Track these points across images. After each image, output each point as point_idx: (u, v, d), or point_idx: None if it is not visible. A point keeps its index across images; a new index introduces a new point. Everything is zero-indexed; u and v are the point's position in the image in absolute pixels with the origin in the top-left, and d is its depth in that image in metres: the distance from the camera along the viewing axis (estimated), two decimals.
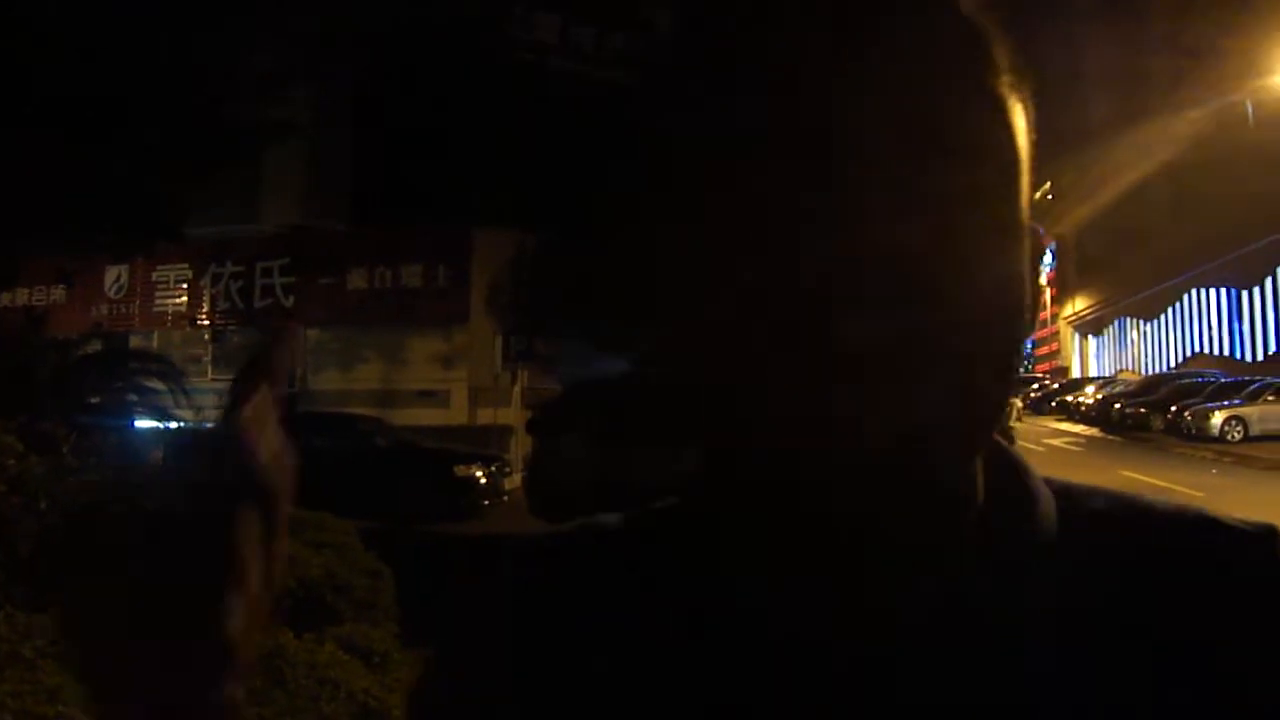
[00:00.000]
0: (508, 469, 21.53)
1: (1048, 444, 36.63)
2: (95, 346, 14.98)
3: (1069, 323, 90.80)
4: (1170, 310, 63.25)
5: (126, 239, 15.80)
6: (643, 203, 0.81)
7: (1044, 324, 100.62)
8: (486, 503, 19.94)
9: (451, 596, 0.94)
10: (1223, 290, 53.95)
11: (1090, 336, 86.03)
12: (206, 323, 34.46)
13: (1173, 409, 37.79)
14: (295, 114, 19.67)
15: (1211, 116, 47.79)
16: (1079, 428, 45.97)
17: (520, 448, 24.35)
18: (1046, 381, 72.82)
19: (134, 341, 30.88)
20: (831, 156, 0.70)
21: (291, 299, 32.98)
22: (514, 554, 0.94)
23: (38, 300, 30.48)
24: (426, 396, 31.04)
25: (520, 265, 29.74)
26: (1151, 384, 46.94)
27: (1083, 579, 0.80)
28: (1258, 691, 0.78)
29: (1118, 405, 44.16)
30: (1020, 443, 30.84)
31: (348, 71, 31.86)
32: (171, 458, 0.74)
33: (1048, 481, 0.87)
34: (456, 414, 30.26)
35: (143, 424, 13.48)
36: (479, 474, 20.22)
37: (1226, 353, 53.43)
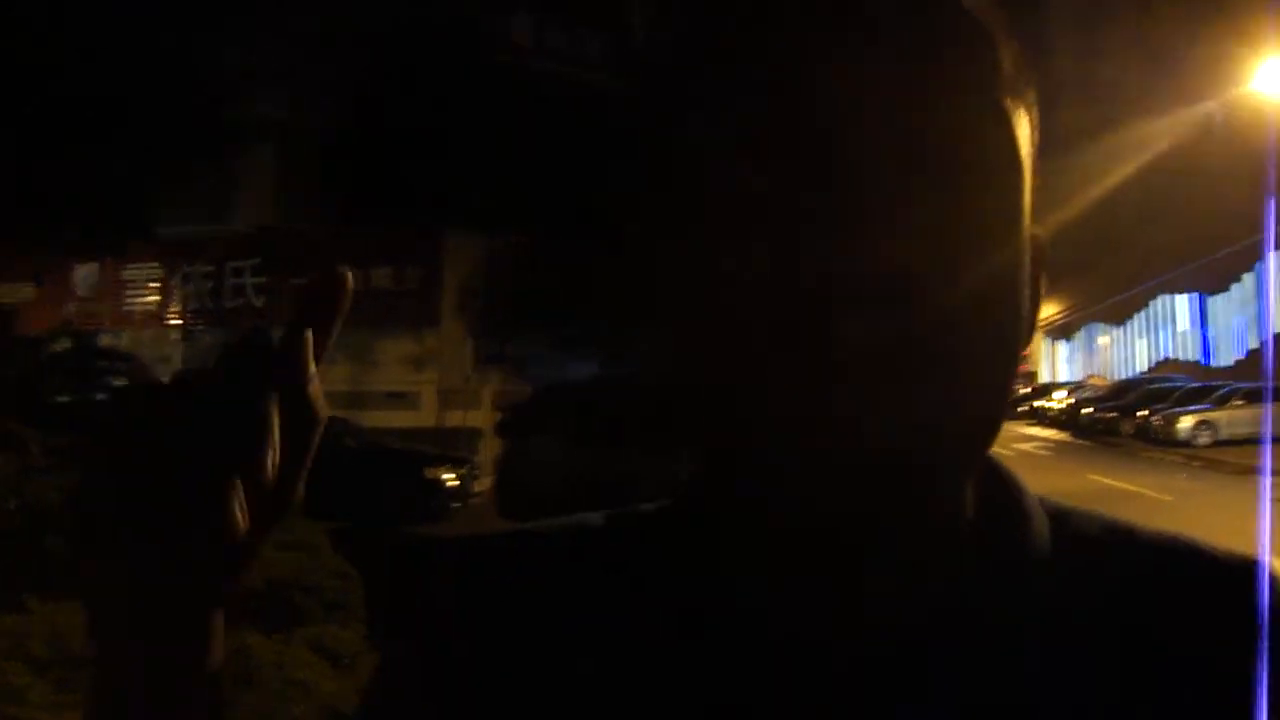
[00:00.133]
0: (477, 471, 21.46)
1: (1017, 448, 36.72)
2: (64, 345, 14.91)
3: (1039, 328, 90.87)
4: (1139, 316, 63.55)
5: (97, 237, 15.76)
6: (640, 203, 0.79)
7: None
8: (456, 505, 19.89)
9: (423, 595, 0.92)
10: (1191, 296, 54.22)
11: (1060, 341, 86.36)
12: (177, 322, 34.30)
13: (1142, 414, 37.98)
14: (268, 114, 19.65)
15: (1181, 124, 47.98)
16: (1049, 432, 46.14)
17: (490, 450, 24.31)
18: (1016, 386, 72.95)
19: (104, 340, 30.73)
20: (831, 158, 0.68)
21: (262, 299, 32.85)
22: (494, 550, 0.92)
23: (5, 298, 30.32)
24: (396, 398, 30.94)
25: (494, 268, 29.71)
26: (1121, 389, 47.17)
27: (1072, 599, 0.79)
28: None
29: (1087, 410, 44.36)
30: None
31: (322, 73, 31.82)
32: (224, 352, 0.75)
33: (1041, 501, 0.86)
34: (426, 416, 30.18)
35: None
36: (448, 476, 20.17)
37: (1195, 358, 53.73)
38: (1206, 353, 52.63)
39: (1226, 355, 49.72)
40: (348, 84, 32.90)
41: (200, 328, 33.91)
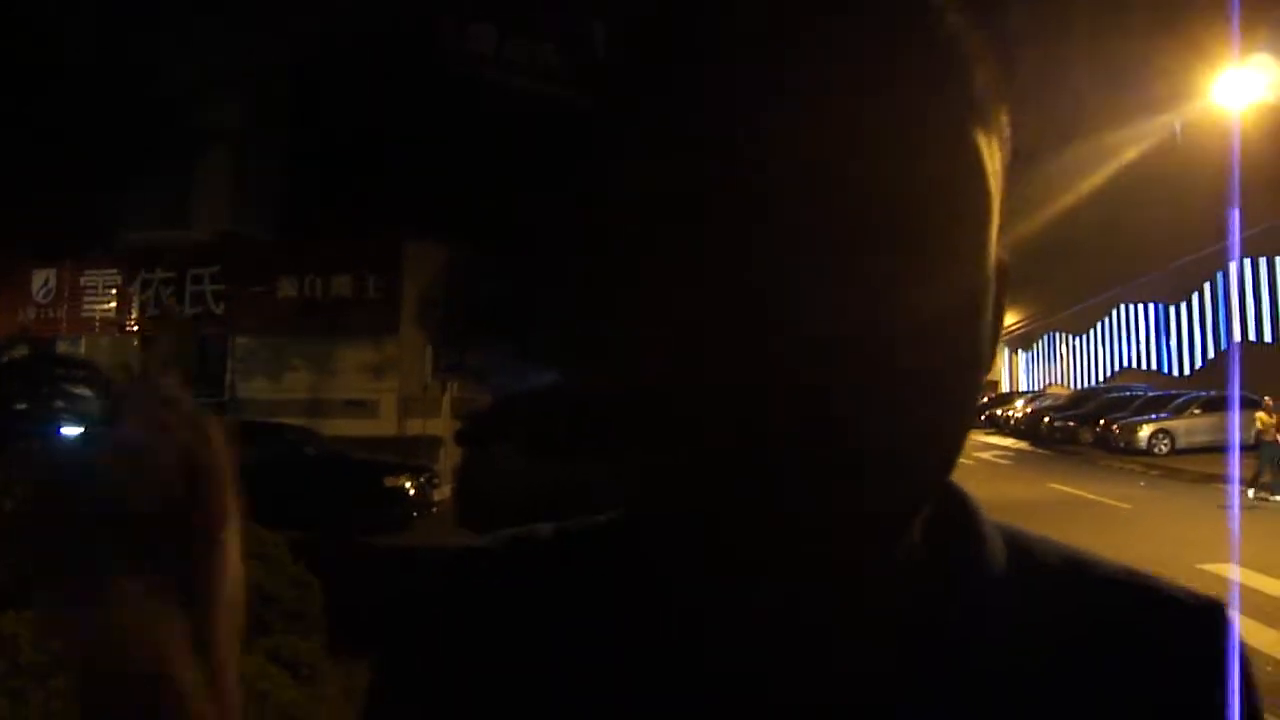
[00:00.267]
0: (437, 480, 21.42)
1: (978, 457, 36.90)
2: (21, 351, 14.81)
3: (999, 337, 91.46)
4: (1099, 325, 64.03)
5: (54, 243, 15.67)
6: (574, 240, 0.78)
7: None
8: (416, 514, 19.85)
9: (380, 610, 0.91)
10: (1150, 306, 54.64)
11: (1020, 351, 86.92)
12: (136, 329, 34.13)
13: (1101, 422, 38.26)
14: (226, 122, 19.59)
15: (1141, 136, 48.33)
16: (1009, 441, 46.41)
17: (449, 459, 24.28)
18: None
19: (61, 347, 30.55)
20: (773, 215, 0.64)
21: (222, 306, 32.73)
22: (442, 565, 0.90)
23: None
24: (356, 406, 30.87)
25: (453, 277, 29.69)
26: (1080, 398, 47.50)
27: (1027, 630, 0.77)
28: None
29: (1047, 419, 44.64)
30: None
31: (280, 80, 31.73)
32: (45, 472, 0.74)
33: (999, 528, 0.85)
34: (386, 424, 30.11)
35: (69, 430, 13.34)
36: (408, 485, 20.13)
37: (1154, 367, 54.16)
38: (1165, 362, 52.98)
39: (1185, 365, 50.07)
40: (306, 92, 32.84)
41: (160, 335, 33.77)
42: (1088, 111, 52.04)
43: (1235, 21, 34.10)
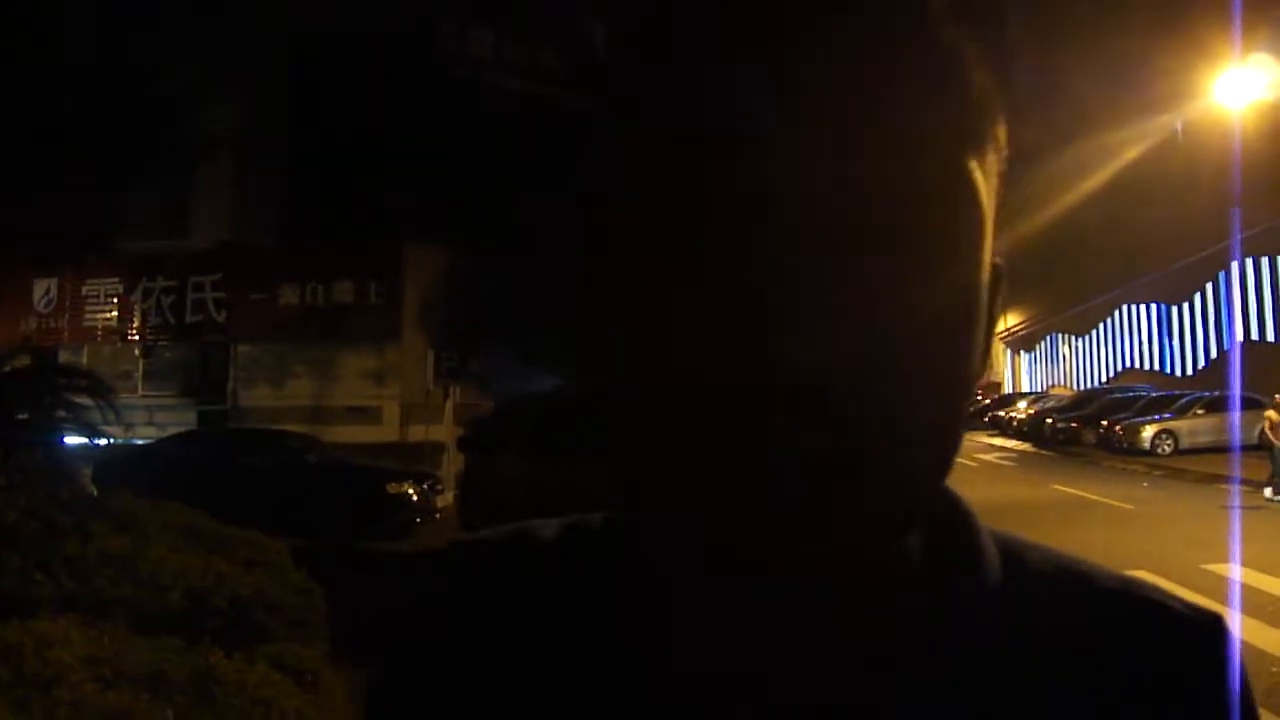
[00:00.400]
0: (440, 486, 21.42)
1: (980, 459, 36.89)
2: (23, 361, 14.79)
3: (1001, 339, 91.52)
4: (1101, 326, 63.96)
5: (55, 252, 15.66)
6: (574, 240, 0.77)
7: None
8: (418, 520, 19.84)
9: (380, 614, 0.90)
10: (1153, 306, 54.61)
11: (1022, 352, 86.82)
12: (137, 338, 34.13)
13: (1104, 423, 38.20)
14: (226, 128, 19.58)
15: (1143, 136, 48.33)
16: (1012, 443, 46.36)
17: (452, 465, 24.27)
18: (979, 397, 73.29)
19: (63, 356, 30.56)
20: (763, 234, 0.64)
21: (223, 314, 32.74)
22: (440, 562, 0.90)
23: None
24: (358, 413, 30.87)
25: (452, 280, 29.69)
26: (1083, 399, 47.41)
27: (1024, 644, 0.77)
28: None
29: (1050, 420, 44.57)
30: None
31: (280, 85, 31.75)
32: None
33: (995, 537, 0.84)
34: (388, 431, 30.11)
35: (72, 440, 13.34)
36: (411, 491, 20.12)
37: (1157, 368, 54.09)
38: (1168, 362, 52.97)
39: (1188, 365, 50.05)
40: (306, 97, 32.85)
41: (161, 343, 33.76)
42: (1089, 111, 52.09)
43: (1236, 21, 34.13)
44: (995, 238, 0.73)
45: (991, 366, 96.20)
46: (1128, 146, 49.99)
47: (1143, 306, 56.25)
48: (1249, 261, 41.90)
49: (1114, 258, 54.94)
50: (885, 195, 0.64)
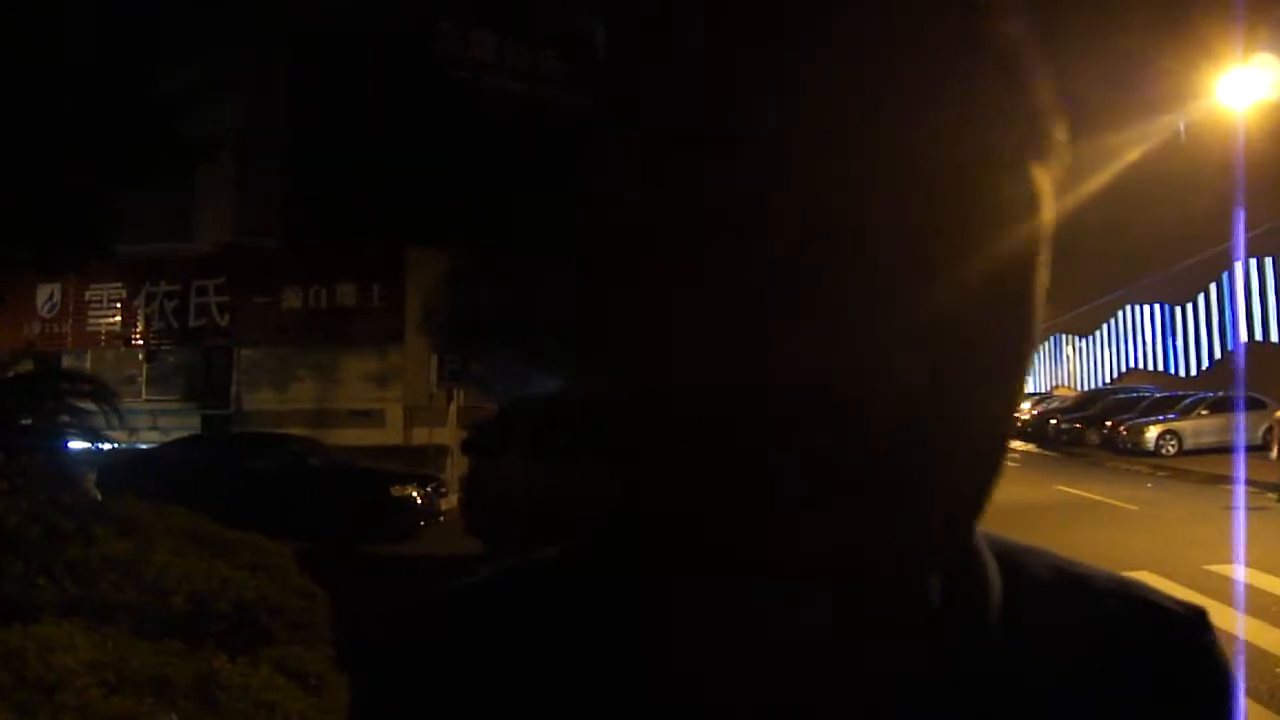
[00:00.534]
0: (443, 489, 21.41)
1: None
2: (26, 366, 14.79)
3: None
4: (1105, 327, 64.02)
5: (57, 255, 15.64)
6: (575, 241, 0.76)
7: None
8: (422, 523, 19.84)
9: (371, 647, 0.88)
10: (1156, 307, 54.61)
11: None
12: (141, 342, 34.17)
13: (1108, 424, 38.19)
14: (227, 129, 19.57)
15: (1146, 136, 48.34)
16: (1015, 443, 46.06)
17: (456, 467, 24.27)
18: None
19: (66, 361, 30.58)
20: (815, 243, 0.61)
21: (226, 318, 32.77)
22: (441, 605, 0.86)
23: None
24: (361, 416, 30.91)
25: (455, 284, 29.70)
26: (1087, 399, 47.44)
27: (1027, 654, 0.76)
28: None
29: (1054, 421, 44.58)
30: None
31: (280, 89, 31.74)
32: None
33: (995, 544, 0.82)
34: (392, 433, 30.14)
35: (75, 445, 13.34)
36: (414, 494, 20.11)
37: (1161, 368, 54.12)
38: (1171, 363, 52.97)
39: (1191, 365, 50.06)
40: (307, 98, 32.85)
41: (165, 347, 33.80)
42: (1091, 112, 52.06)
43: (1239, 21, 34.13)
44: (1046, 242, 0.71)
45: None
46: (1130, 147, 49.94)
47: (1146, 307, 56.28)
48: (1253, 262, 41.89)
49: (1117, 258, 54.96)
50: (882, 194, 0.62)
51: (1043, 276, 0.70)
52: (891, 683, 0.72)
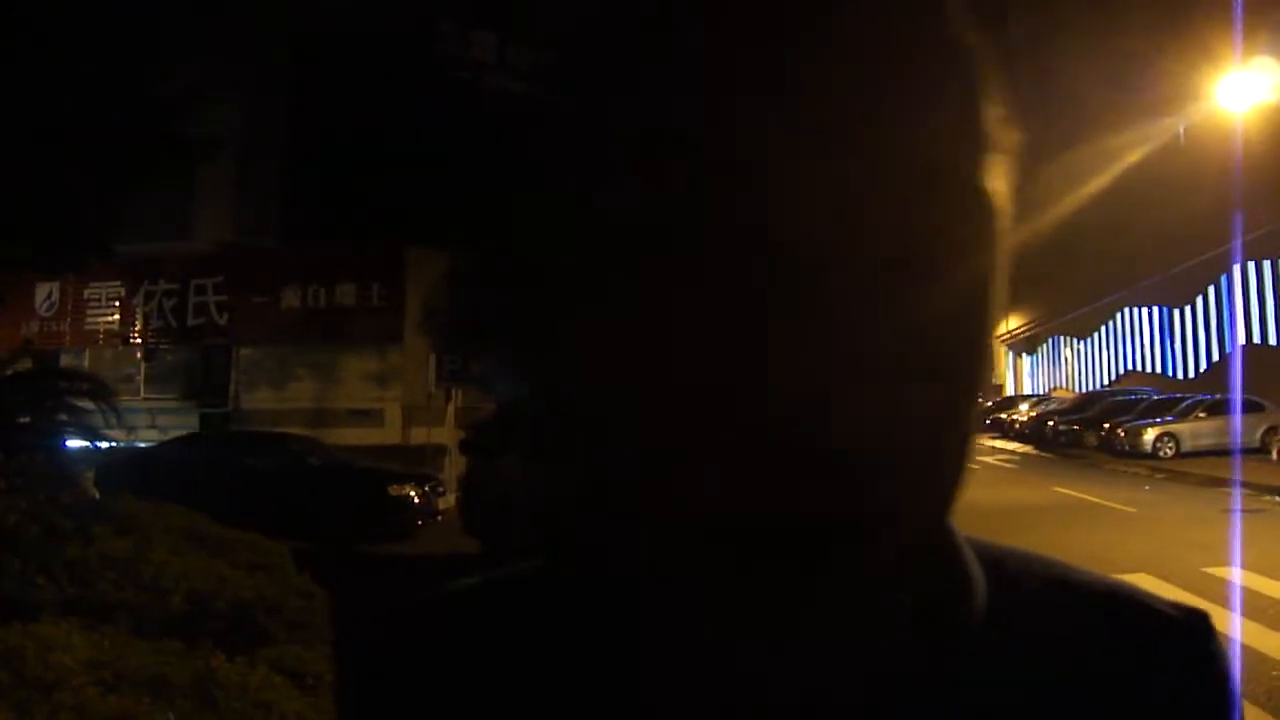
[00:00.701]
0: (442, 489, 21.40)
1: (982, 461, 36.85)
2: (25, 365, 14.79)
3: (1003, 341, 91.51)
4: (1103, 329, 63.95)
5: (56, 255, 15.63)
6: (546, 240, 0.72)
7: None
8: (420, 523, 19.85)
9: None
10: (1155, 309, 54.59)
11: (1024, 355, 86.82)
12: (139, 341, 34.16)
13: (1106, 426, 38.16)
14: (226, 129, 19.57)
15: (1145, 139, 48.34)
16: (1013, 445, 46.33)
17: (454, 467, 24.24)
18: (980, 399, 73.25)
19: (65, 360, 30.58)
20: (759, 267, 0.60)
21: (225, 317, 32.77)
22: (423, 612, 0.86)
23: None
24: (360, 415, 30.91)
25: (454, 284, 29.69)
26: (1085, 401, 47.40)
27: (1012, 658, 0.74)
28: None
29: (1051, 423, 44.57)
30: None
31: (281, 88, 31.72)
32: None
33: (980, 548, 0.80)
34: (390, 433, 30.14)
35: (74, 444, 13.34)
36: (413, 493, 20.12)
37: (1159, 370, 54.06)
38: (1169, 365, 52.97)
39: (1189, 368, 50.04)
40: (307, 99, 32.84)
41: (163, 346, 33.80)
42: (1090, 114, 52.07)
43: (1238, 24, 34.14)
44: (1005, 247, 0.69)
45: (993, 369, 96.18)
46: (1130, 149, 49.99)
47: (1145, 309, 56.23)
48: (1251, 265, 41.89)
49: (1116, 260, 54.93)
50: (879, 203, 0.61)
51: (999, 286, 0.69)
52: (869, 684, 0.71)
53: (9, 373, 13.81)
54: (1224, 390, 36.32)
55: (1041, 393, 70.65)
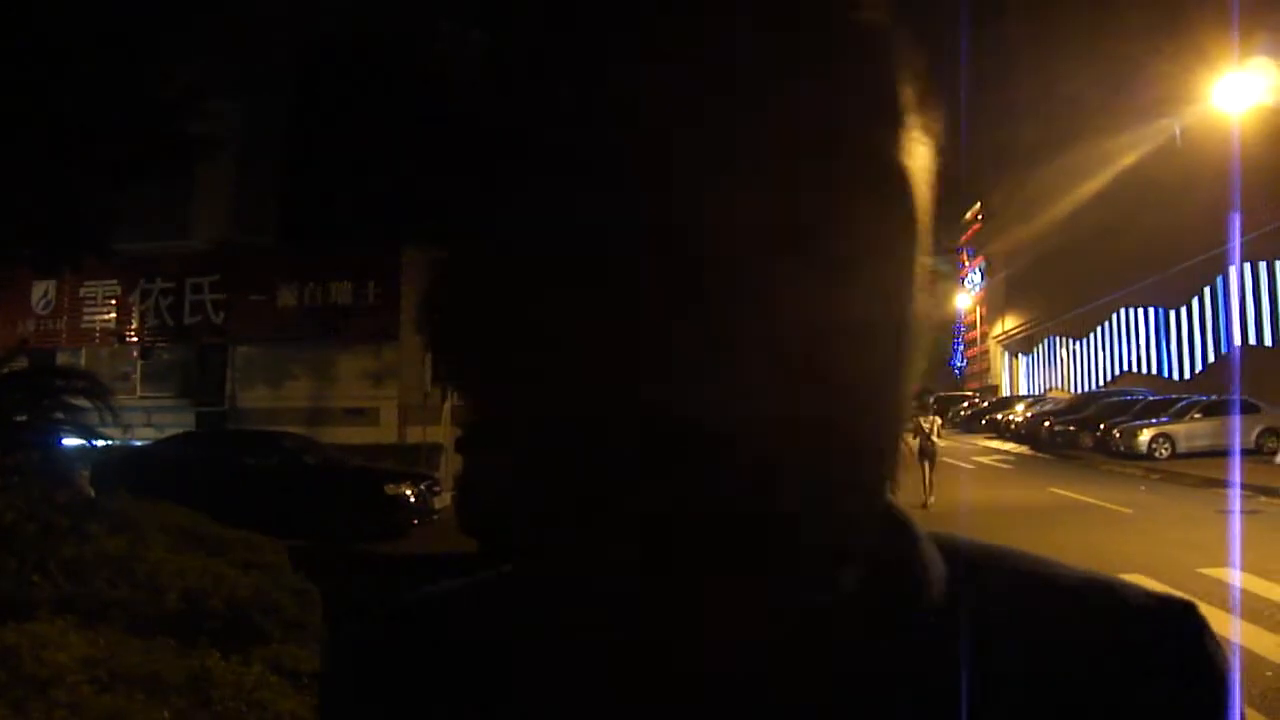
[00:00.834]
0: (438, 488, 21.38)
1: (978, 462, 36.89)
2: (21, 364, 14.79)
3: (999, 341, 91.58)
4: (1099, 329, 63.96)
5: (53, 253, 15.63)
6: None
7: (974, 343, 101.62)
8: (416, 522, 19.84)
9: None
10: (1151, 309, 54.61)
11: (1020, 355, 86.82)
12: (135, 339, 34.10)
13: (1102, 427, 38.16)
14: (224, 128, 19.55)
15: (1141, 140, 48.38)
16: (1009, 445, 46.34)
17: (450, 466, 24.23)
18: (976, 399, 73.35)
19: (61, 358, 30.53)
20: (658, 260, 0.58)
21: (222, 315, 32.72)
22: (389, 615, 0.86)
23: None
24: (356, 414, 30.85)
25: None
26: (1081, 402, 47.41)
27: (976, 657, 0.70)
28: None
29: (1047, 423, 44.55)
30: (950, 460, 31.04)
31: (277, 88, 31.69)
32: None
33: (943, 541, 0.78)
34: (386, 432, 30.08)
35: (70, 442, 13.34)
36: (409, 492, 20.10)
37: (1154, 371, 54.09)
38: (1165, 366, 52.99)
39: (1185, 369, 50.08)
40: (305, 97, 32.82)
41: (160, 345, 33.75)
42: (1087, 115, 52.16)
43: (1234, 25, 34.16)
44: (929, 236, 0.67)
45: (989, 369, 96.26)
46: (1126, 150, 50.05)
47: (1141, 310, 56.24)
48: (1247, 266, 41.91)
49: (1112, 261, 54.97)
50: (787, 189, 0.59)
51: (921, 267, 0.66)
52: (817, 679, 0.68)
53: (5, 371, 13.81)
54: (1220, 391, 36.35)
55: (1037, 393, 70.67)
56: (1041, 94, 63.57)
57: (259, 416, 30.75)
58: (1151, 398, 40.72)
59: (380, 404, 30.83)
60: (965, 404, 70.03)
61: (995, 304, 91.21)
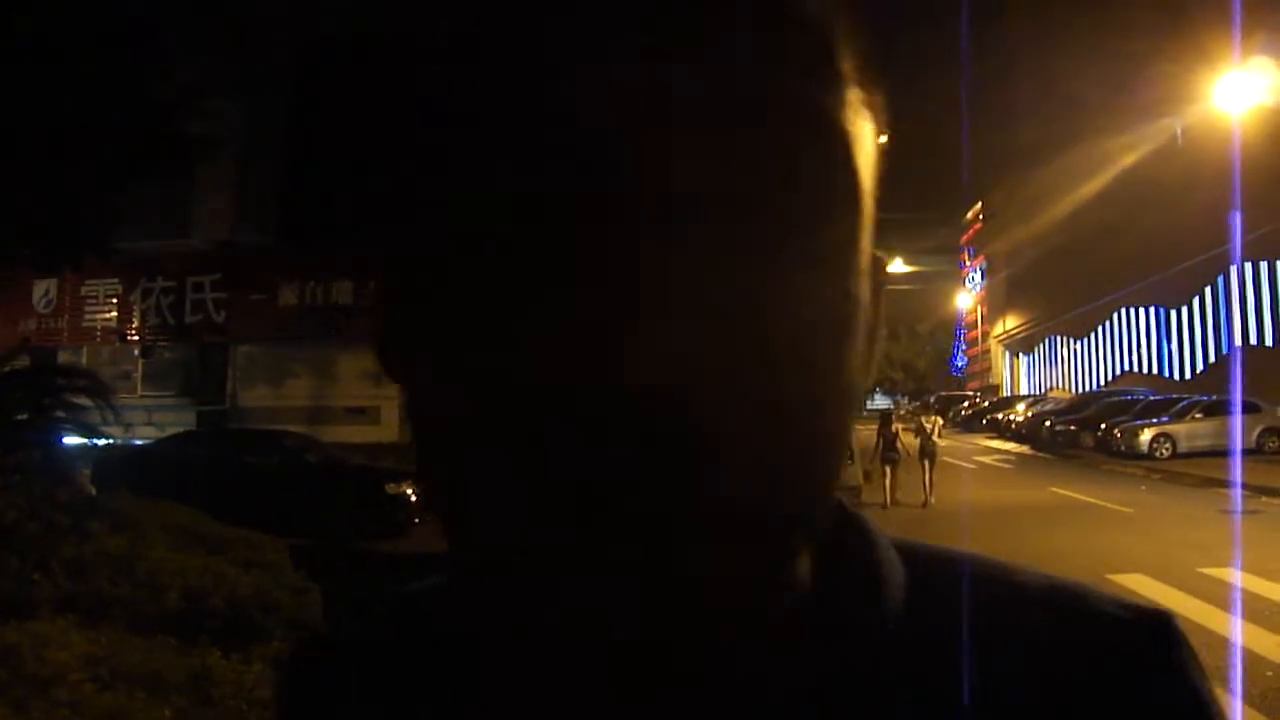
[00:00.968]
0: None
1: (979, 461, 36.86)
2: (22, 362, 14.79)
3: (999, 341, 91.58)
4: (1100, 329, 63.96)
5: (53, 252, 15.63)
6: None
7: (975, 342, 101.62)
8: (417, 520, 19.82)
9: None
10: (1152, 309, 54.61)
11: (1021, 354, 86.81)
12: (136, 338, 34.14)
13: (1102, 426, 38.11)
14: (224, 128, 19.55)
15: (1142, 140, 48.39)
16: (1010, 445, 46.31)
17: None
18: (977, 399, 73.35)
19: (62, 357, 30.56)
20: (585, 222, 0.56)
21: (223, 314, 32.75)
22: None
23: None
24: (357, 413, 30.88)
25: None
26: (1082, 402, 47.37)
27: (935, 667, 0.67)
28: None
29: (1048, 423, 44.52)
30: (950, 460, 31.05)
31: (277, 87, 31.70)
32: None
33: (902, 545, 0.76)
34: (387, 431, 30.10)
35: (71, 441, 13.34)
36: (409, 491, 20.09)
37: (1155, 371, 54.09)
38: (1166, 366, 52.99)
39: (1186, 368, 50.08)
40: (305, 97, 32.83)
41: (161, 343, 33.78)
42: (1088, 115, 52.16)
43: (1235, 25, 34.16)
44: (873, 221, 0.65)
45: (990, 368, 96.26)
46: (1128, 150, 50.06)
47: (1142, 309, 56.24)
48: (1249, 266, 41.91)
49: (1113, 260, 54.98)
50: (724, 156, 0.57)
51: (864, 248, 0.64)
52: (766, 687, 0.66)
53: (6, 370, 13.81)
54: (1221, 391, 36.32)
55: (1038, 393, 70.65)
56: (1042, 94, 63.57)
57: (260, 415, 30.79)
58: (1152, 397, 40.68)
59: (381, 403, 30.86)
60: (966, 404, 70.10)
61: (996, 303, 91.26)
